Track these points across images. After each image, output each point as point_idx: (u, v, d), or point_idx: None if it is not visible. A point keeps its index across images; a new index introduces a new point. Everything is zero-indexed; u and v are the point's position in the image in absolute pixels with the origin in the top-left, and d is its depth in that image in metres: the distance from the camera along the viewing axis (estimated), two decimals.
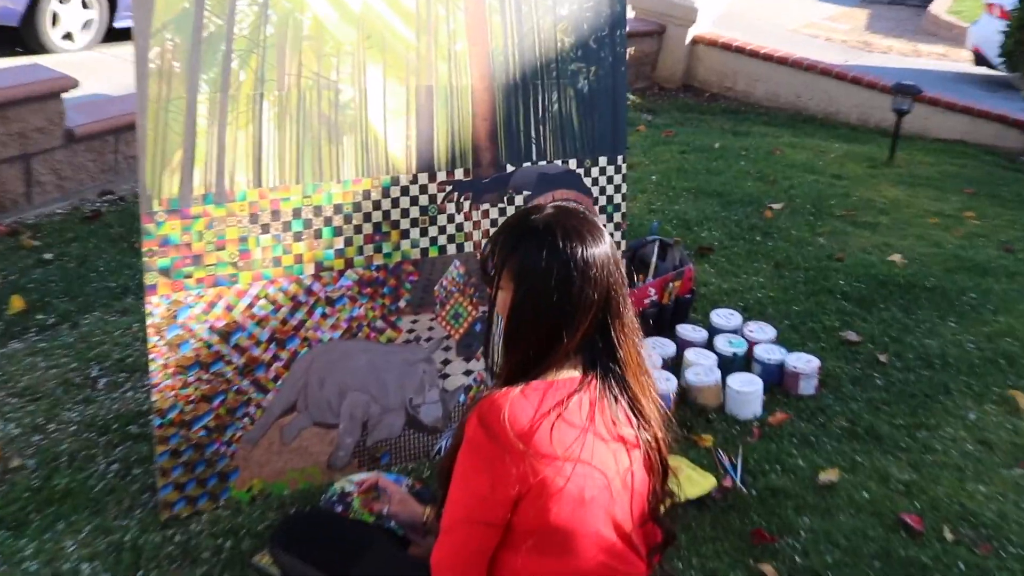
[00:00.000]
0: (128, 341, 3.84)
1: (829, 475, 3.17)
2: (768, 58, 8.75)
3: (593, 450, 1.86)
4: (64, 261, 4.63)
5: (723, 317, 4.04)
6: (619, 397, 1.92)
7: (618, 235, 3.40)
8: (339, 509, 2.68)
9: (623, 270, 1.97)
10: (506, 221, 2.03)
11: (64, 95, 5.29)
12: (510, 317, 1.93)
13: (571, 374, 1.90)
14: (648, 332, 3.85)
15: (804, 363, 3.70)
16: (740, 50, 8.92)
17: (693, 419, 3.49)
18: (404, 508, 2.47)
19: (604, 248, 1.91)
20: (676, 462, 3.11)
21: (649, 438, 1.96)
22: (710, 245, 5.07)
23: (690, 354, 3.75)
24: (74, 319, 4.07)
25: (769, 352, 3.77)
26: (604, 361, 1.92)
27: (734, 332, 3.96)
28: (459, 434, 1.92)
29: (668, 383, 3.50)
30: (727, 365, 3.71)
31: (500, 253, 1.96)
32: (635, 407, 1.95)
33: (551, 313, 1.87)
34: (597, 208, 3.34)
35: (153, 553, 2.73)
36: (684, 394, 3.60)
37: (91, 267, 4.57)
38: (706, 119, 8.11)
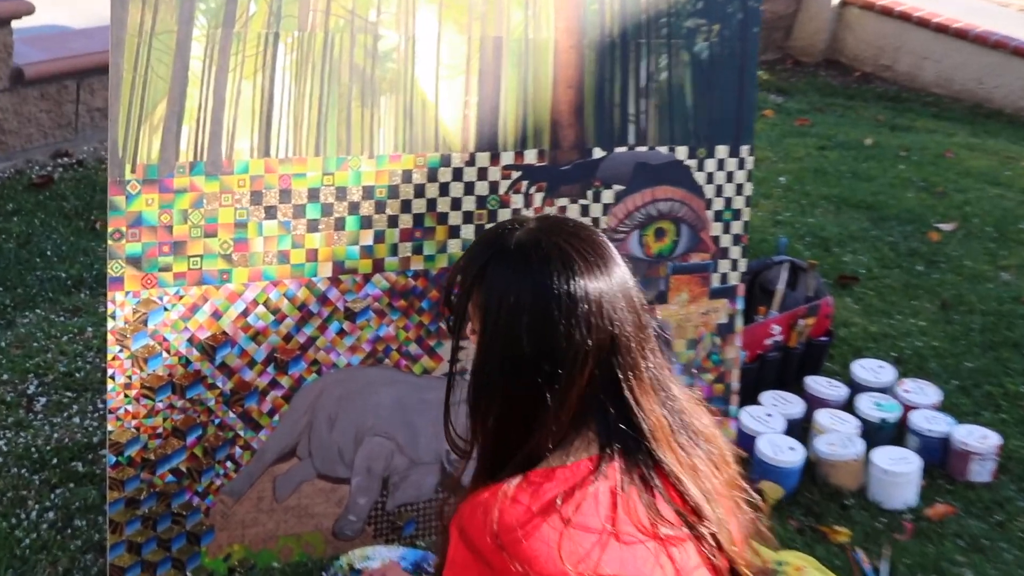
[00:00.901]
0: (78, 350, 3.87)
1: None
2: (942, 29, 8.66)
3: (621, 560, 1.76)
4: (1, 240, 4.67)
5: (869, 370, 3.98)
6: (649, 480, 1.83)
7: (736, 252, 3.36)
8: None
9: (640, 307, 1.89)
10: (475, 239, 1.99)
11: (15, 23, 5.35)
12: (473, 373, 1.89)
13: (582, 456, 1.83)
14: (767, 383, 3.84)
15: (977, 439, 3.63)
16: (905, 17, 8.84)
17: (823, 504, 3.44)
18: None
19: (606, 281, 1.84)
20: (799, 561, 3.09)
21: (706, 533, 1.88)
22: (854, 273, 5.01)
23: (823, 416, 3.70)
24: (9, 316, 4.11)
25: (930, 421, 3.70)
26: (622, 433, 1.84)
27: (884, 391, 3.91)
28: (441, 547, 1.88)
29: (792, 453, 3.45)
30: (873, 434, 3.66)
31: (462, 282, 1.92)
32: (679, 491, 1.88)
33: (525, 367, 1.81)
34: (710, 214, 3.31)
35: None
36: (813, 469, 3.55)
37: (35, 250, 4.62)
38: (854, 106, 8.04)
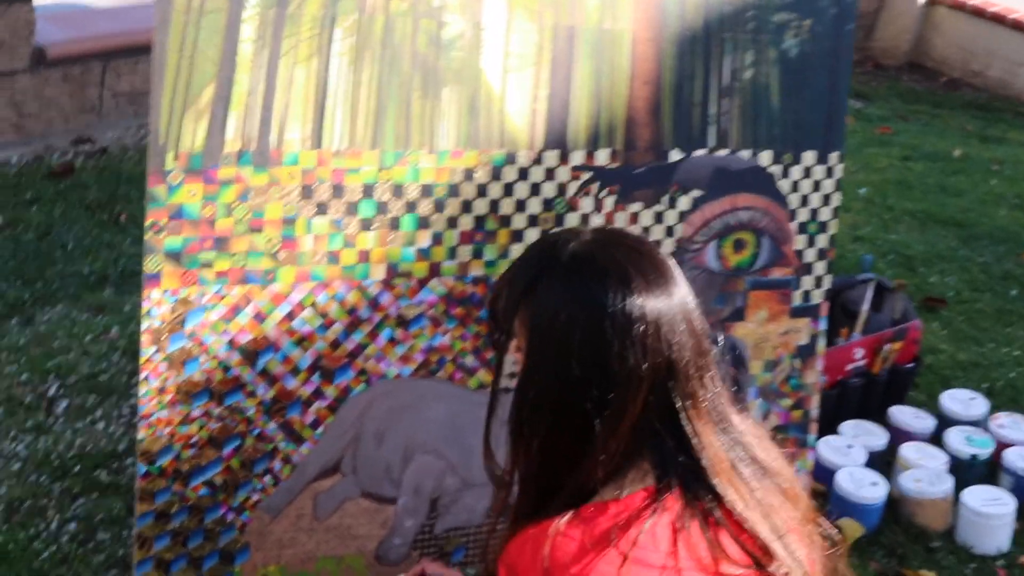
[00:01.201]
0: (102, 351, 3.90)
1: None
2: None
3: None
4: (18, 231, 4.72)
5: (960, 402, 3.98)
6: (711, 514, 1.82)
7: (821, 267, 3.36)
8: None
9: (702, 332, 1.89)
10: (525, 250, 1.99)
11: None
12: (516, 395, 1.89)
13: (637, 488, 1.83)
14: (847, 412, 3.83)
15: None
16: (999, 19, 8.80)
17: (908, 545, 3.45)
18: None
19: (666, 300, 1.84)
20: None
21: (778, 573, 1.84)
22: (942, 296, 5.01)
23: (909, 451, 3.70)
24: (28, 312, 4.14)
25: None
26: (680, 465, 1.83)
27: (975, 424, 3.91)
28: None
29: (875, 489, 3.44)
30: (963, 472, 3.66)
31: (510, 296, 1.92)
32: (745, 528, 1.87)
33: (573, 391, 1.81)
34: (793, 226, 3.30)
35: None
36: (896, 507, 3.55)
37: (56, 242, 4.66)
38: (941, 114, 8.01)
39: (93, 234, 4.77)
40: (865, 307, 4.00)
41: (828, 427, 3.70)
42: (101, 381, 3.74)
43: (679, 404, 1.83)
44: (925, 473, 3.57)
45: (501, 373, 1.99)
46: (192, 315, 2.77)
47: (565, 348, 1.81)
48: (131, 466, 3.37)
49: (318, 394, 2.92)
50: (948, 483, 3.54)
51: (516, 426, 1.89)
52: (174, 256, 2.73)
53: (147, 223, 2.69)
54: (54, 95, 5.54)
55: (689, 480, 1.82)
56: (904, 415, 3.90)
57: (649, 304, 1.81)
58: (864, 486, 3.47)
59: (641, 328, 1.79)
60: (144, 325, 2.74)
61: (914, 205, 6.00)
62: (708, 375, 1.88)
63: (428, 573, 2.54)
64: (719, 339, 3.24)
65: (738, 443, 1.90)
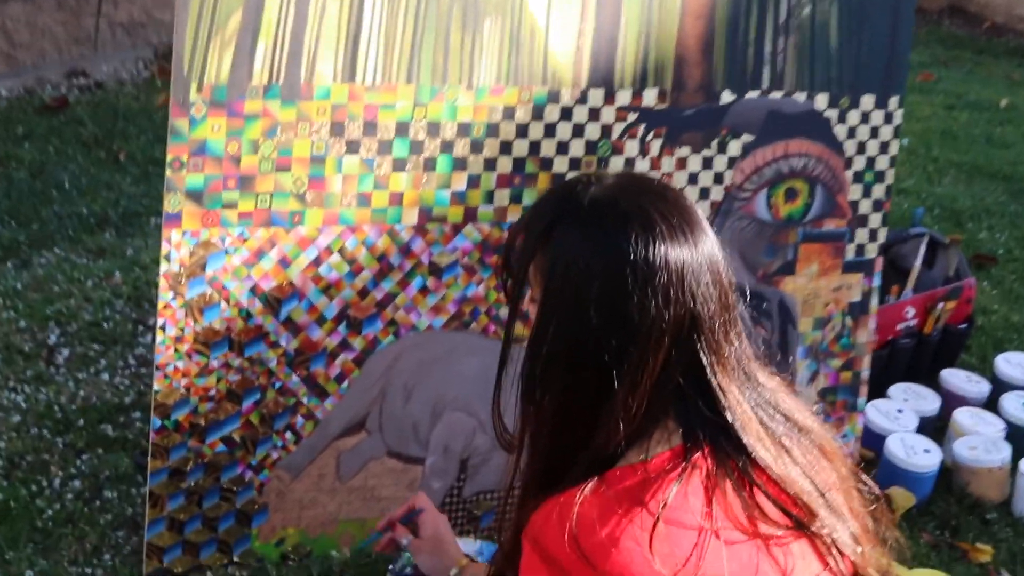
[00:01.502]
0: (105, 297, 3.88)
1: None
2: None
3: (725, 561, 1.74)
4: (11, 168, 4.69)
5: (1016, 366, 3.96)
6: (745, 473, 1.80)
7: (876, 220, 3.34)
8: None
9: (728, 286, 1.86)
10: (542, 194, 1.96)
11: None
12: (528, 349, 1.86)
13: (664, 449, 1.81)
14: (895, 374, 3.81)
15: None
16: None
17: (962, 516, 3.43)
18: (434, 553, 2.46)
19: (691, 250, 1.81)
20: None
21: (820, 532, 1.83)
22: (991, 253, 4.99)
23: (963, 416, 3.68)
24: (24, 255, 4.12)
25: None
26: (708, 422, 1.81)
27: None
28: (507, 554, 1.88)
29: (928, 456, 3.43)
30: (1020, 440, 3.63)
31: (525, 242, 1.89)
32: (781, 487, 1.85)
33: (590, 343, 1.78)
34: (848, 175, 3.28)
35: None
36: (949, 476, 3.53)
37: (51, 181, 4.64)
38: (984, 61, 8.00)
39: (90, 173, 4.74)
40: (917, 263, 3.97)
41: (876, 390, 3.67)
42: (104, 329, 3.72)
43: (704, 359, 1.81)
44: (980, 440, 3.54)
45: (513, 326, 1.96)
46: (213, 259, 2.75)
47: (582, 297, 1.77)
48: (138, 420, 3.35)
49: (344, 346, 2.91)
50: (1005, 451, 3.51)
51: (528, 384, 1.86)
52: (195, 195, 2.70)
53: (168, 159, 2.67)
54: (47, 24, 5.50)
55: (718, 438, 1.80)
56: (957, 378, 3.87)
57: (673, 252, 1.79)
58: (917, 453, 3.44)
59: (663, 277, 1.77)
60: (162, 268, 2.72)
61: (960, 157, 5.98)
62: (734, 331, 1.86)
63: (418, 506, 2.53)
64: (763, 295, 3.26)
65: (767, 401, 1.89)
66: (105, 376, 3.52)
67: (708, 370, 1.81)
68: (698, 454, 1.78)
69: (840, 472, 1.94)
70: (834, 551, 1.84)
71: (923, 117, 6.51)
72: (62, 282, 3.95)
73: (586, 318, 1.77)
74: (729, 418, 1.81)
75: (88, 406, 3.38)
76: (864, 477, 1.99)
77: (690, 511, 1.73)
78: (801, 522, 1.81)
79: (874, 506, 1.98)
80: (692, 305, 1.79)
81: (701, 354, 1.81)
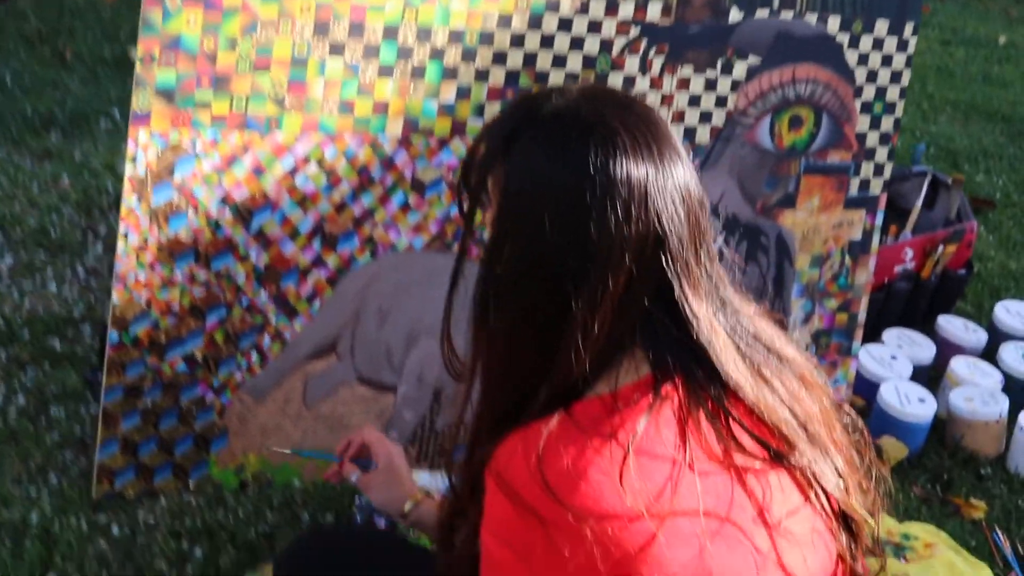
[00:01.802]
0: (52, 202, 3.84)
1: None
2: None
3: (699, 494, 1.72)
4: None
5: (1015, 315, 3.97)
6: (719, 401, 1.79)
7: (883, 154, 3.32)
8: (382, 524, 2.69)
9: (700, 208, 1.84)
10: (502, 106, 1.92)
11: None
12: (482, 269, 1.83)
13: (633, 379, 1.78)
14: (890, 318, 3.80)
15: None
16: None
17: (955, 470, 3.43)
18: (387, 486, 2.43)
19: (654, 167, 1.78)
20: (928, 535, 3.08)
21: (799, 464, 1.81)
22: (988, 197, 4.99)
23: (960, 365, 3.68)
24: None
25: None
26: (677, 348, 1.79)
27: None
28: (461, 504, 1.87)
29: (922, 406, 3.42)
30: (1018, 392, 3.63)
31: (485, 157, 1.86)
32: (759, 417, 1.83)
33: (547, 261, 1.76)
34: (857, 104, 3.26)
35: (71, 550, 2.72)
36: (942, 427, 3.53)
37: None
38: None
39: (34, 71, 4.69)
40: (918, 203, 3.96)
41: (868, 334, 3.66)
42: (52, 237, 3.67)
43: (673, 283, 1.78)
44: (977, 391, 3.54)
45: (467, 243, 1.93)
46: (182, 163, 2.70)
47: (538, 212, 1.74)
48: (88, 335, 3.32)
49: (318, 263, 2.88)
50: (1003, 403, 3.50)
51: (480, 308, 1.83)
52: (166, 93, 2.64)
53: (139, 54, 2.61)
54: None
55: (691, 366, 1.78)
56: (954, 326, 3.87)
57: (636, 169, 1.75)
58: (911, 402, 3.43)
59: (624, 192, 1.74)
60: (127, 171, 2.67)
61: (956, 95, 5.99)
62: (707, 255, 1.82)
63: (367, 441, 2.48)
64: (761, 228, 3.23)
65: (745, 328, 1.86)
66: (52, 287, 3.48)
67: (677, 292, 1.78)
68: (669, 383, 1.76)
69: (822, 404, 1.91)
70: (815, 485, 1.82)
71: (918, 52, 6.46)
72: (5, 185, 3.90)
73: (542, 235, 1.75)
74: (703, 344, 1.79)
75: (34, 317, 3.35)
76: (848, 409, 1.96)
77: (662, 442, 1.71)
78: (779, 453, 1.79)
79: (858, 439, 1.96)
80: (657, 224, 1.76)
81: (670, 276, 1.77)
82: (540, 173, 1.76)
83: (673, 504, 1.68)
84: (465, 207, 1.89)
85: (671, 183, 1.78)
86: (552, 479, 1.67)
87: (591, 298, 1.74)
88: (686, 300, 1.78)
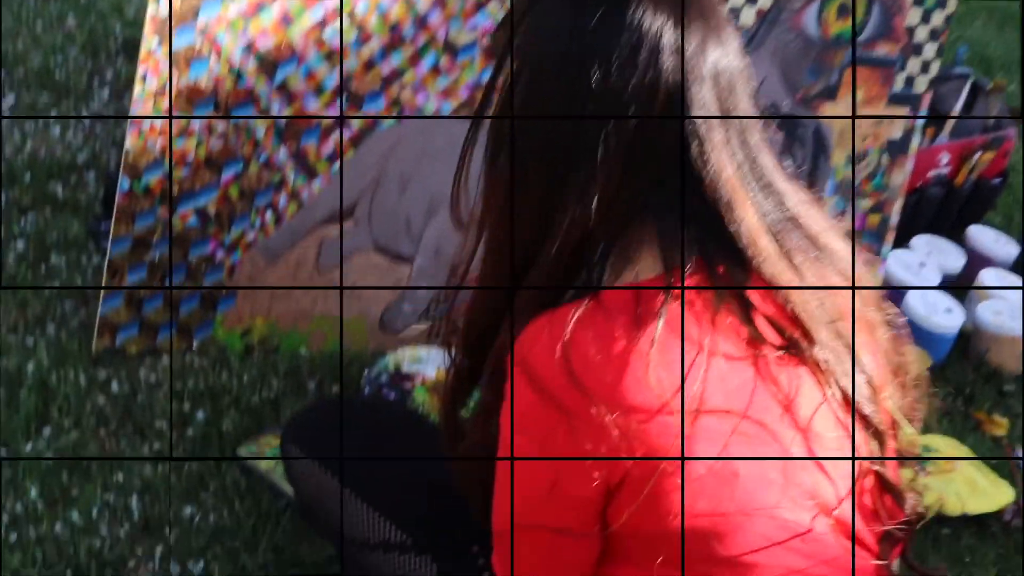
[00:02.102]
0: (57, 42, 3.83)
1: None
2: None
3: (728, 385, 1.71)
4: None
5: None
6: (743, 291, 1.75)
7: (931, 50, 3.28)
8: (391, 396, 2.70)
9: (739, 79, 1.80)
10: None
11: None
12: (495, 107, 1.82)
13: (654, 272, 1.75)
14: (919, 224, 3.81)
15: None
16: None
17: (978, 385, 3.44)
18: None
19: (697, 22, 1.76)
20: (950, 448, 3.09)
21: (819, 358, 1.77)
22: (1020, 110, 4.94)
23: (989, 276, 3.68)
24: None
25: None
26: (704, 229, 1.76)
27: None
28: (489, 392, 1.84)
29: (949, 317, 3.43)
30: None
31: (514, 11, 1.83)
32: (781, 306, 1.82)
33: (556, 110, 1.74)
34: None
35: (68, 404, 2.73)
36: (967, 340, 3.54)
37: None
38: None
39: None
40: (958, 106, 3.94)
41: (897, 239, 3.66)
42: (57, 78, 3.63)
43: (693, 148, 1.73)
44: (1006, 306, 3.53)
45: (491, 94, 1.86)
46: (207, 6, 2.66)
47: (551, 60, 1.73)
48: (93, 182, 3.29)
49: (341, 122, 2.86)
50: None
51: (492, 149, 1.81)
52: None
53: None
54: None
55: (712, 248, 1.75)
56: (985, 236, 3.85)
57: (654, 19, 1.72)
58: (938, 312, 3.42)
59: (634, 38, 1.71)
60: (149, 11, 2.62)
61: (992, 1, 5.94)
62: (744, 127, 1.78)
63: None
64: (798, 120, 3.22)
65: (784, 209, 1.81)
66: (56, 130, 3.45)
67: (697, 162, 1.74)
68: (691, 265, 1.73)
69: (863, 303, 1.87)
70: (832, 383, 1.79)
71: None
72: (6, 18, 3.85)
73: (553, 83, 1.73)
74: (730, 225, 1.75)
75: (36, 161, 3.32)
76: (892, 308, 1.92)
77: (688, 330, 1.69)
78: (797, 343, 1.76)
79: (897, 342, 1.92)
80: (667, 78, 1.72)
81: (689, 140, 1.73)
82: (559, 21, 1.74)
83: (700, 400, 1.68)
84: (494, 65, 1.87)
85: (699, 46, 1.75)
86: (578, 368, 1.65)
87: (592, 151, 1.72)
88: (716, 180, 1.74)
